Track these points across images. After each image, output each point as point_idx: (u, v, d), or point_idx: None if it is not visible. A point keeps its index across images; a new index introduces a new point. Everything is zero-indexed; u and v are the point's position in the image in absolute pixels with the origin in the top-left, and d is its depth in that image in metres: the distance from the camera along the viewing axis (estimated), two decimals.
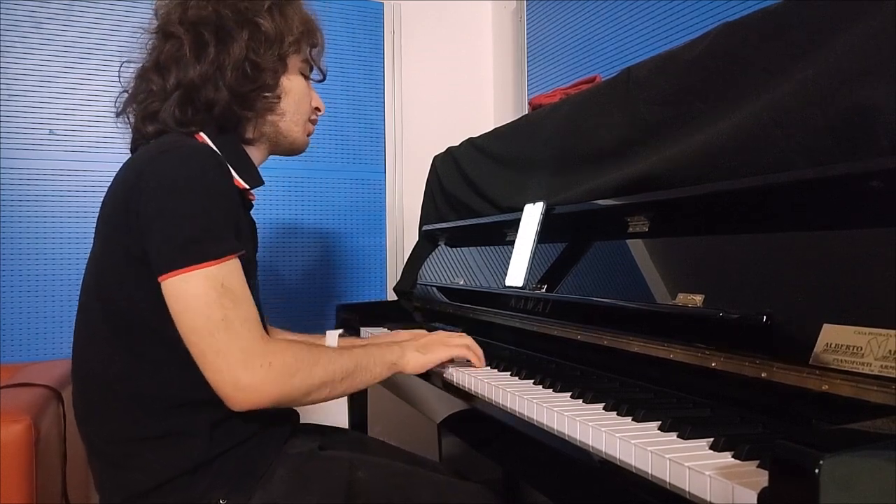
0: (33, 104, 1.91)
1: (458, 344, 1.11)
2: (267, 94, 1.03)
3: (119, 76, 1.03)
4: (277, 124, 1.07)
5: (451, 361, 1.13)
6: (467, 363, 1.13)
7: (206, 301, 0.82)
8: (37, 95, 1.91)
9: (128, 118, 1.03)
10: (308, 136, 1.14)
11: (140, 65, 1.02)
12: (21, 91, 1.90)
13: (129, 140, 1.06)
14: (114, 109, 1.05)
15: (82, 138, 1.96)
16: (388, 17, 2.40)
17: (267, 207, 2.18)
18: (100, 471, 0.95)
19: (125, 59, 1.03)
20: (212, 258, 0.83)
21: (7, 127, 1.88)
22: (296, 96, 1.08)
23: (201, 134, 0.98)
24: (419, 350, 1.07)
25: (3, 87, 1.88)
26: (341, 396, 0.97)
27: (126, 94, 1.03)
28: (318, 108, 1.15)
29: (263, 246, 2.20)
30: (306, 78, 1.12)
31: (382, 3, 2.39)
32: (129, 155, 1.05)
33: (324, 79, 1.16)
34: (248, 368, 0.82)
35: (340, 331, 1.39)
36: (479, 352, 1.12)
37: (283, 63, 1.04)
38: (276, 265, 2.22)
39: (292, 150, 1.13)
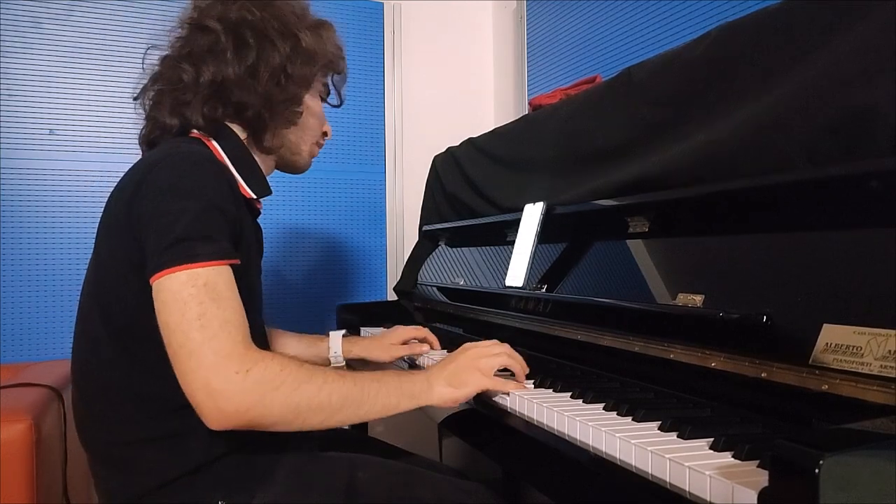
0: (33, 104, 1.91)
1: (493, 368, 0.95)
2: (294, 107, 1.04)
3: (143, 62, 1.02)
4: (293, 138, 1.08)
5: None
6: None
7: (182, 297, 0.78)
8: (37, 95, 1.91)
9: (145, 106, 1.02)
10: (311, 157, 1.15)
11: (167, 53, 1.01)
12: (21, 91, 1.90)
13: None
14: (131, 95, 1.04)
15: (82, 138, 1.96)
16: (388, 17, 2.40)
17: (267, 208, 2.17)
18: (99, 473, 0.95)
19: (150, 44, 1.02)
20: (199, 260, 0.80)
21: (7, 127, 1.88)
22: (312, 116, 1.10)
23: (213, 142, 0.98)
24: (450, 382, 0.93)
25: (3, 87, 1.88)
26: (344, 424, 0.88)
27: (149, 81, 1.02)
28: (325, 133, 1.17)
29: (264, 246, 2.19)
30: (322, 101, 1.14)
31: (382, 3, 2.39)
32: (138, 146, 1.05)
33: (340, 105, 1.18)
34: (221, 373, 0.76)
35: (343, 331, 1.38)
36: (523, 370, 0.98)
37: (311, 80, 1.06)
38: (277, 265, 2.22)
39: (295, 167, 1.14)
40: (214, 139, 0.99)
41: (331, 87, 1.15)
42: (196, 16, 1.00)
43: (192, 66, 0.97)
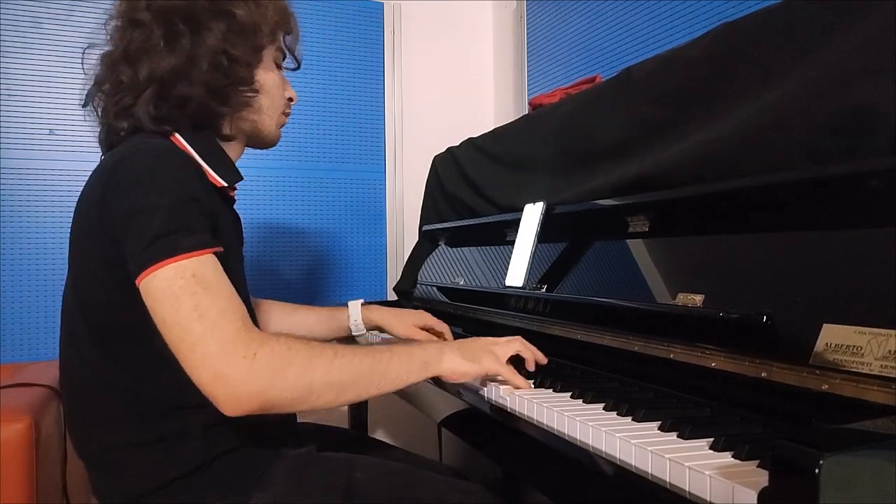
0: (33, 104, 1.91)
1: (509, 352, 0.96)
2: (242, 89, 0.97)
3: (82, 63, 0.96)
4: (254, 120, 1.03)
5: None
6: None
7: (173, 291, 0.76)
8: (37, 95, 1.91)
9: (95, 111, 0.97)
10: (280, 128, 1.09)
11: (105, 51, 0.95)
12: (21, 91, 1.90)
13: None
14: (80, 101, 0.97)
15: (82, 138, 1.95)
16: (388, 17, 2.40)
17: (267, 207, 2.18)
18: (95, 477, 0.94)
19: (87, 44, 0.96)
20: (181, 252, 0.78)
21: (7, 127, 1.88)
22: (270, 90, 1.03)
23: (176, 135, 0.94)
24: (463, 356, 0.92)
25: (3, 87, 1.88)
26: (359, 400, 0.86)
27: (94, 84, 0.96)
28: (290, 99, 1.09)
29: (263, 246, 2.20)
30: (279, 68, 1.06)
31: (382, 3, 2.39)
32: (100, 150, 1.00)
33: (298, 67, 1.11)
34: (229, 360, 0.75)
35: (362, 300, 1.35)
36: (534, 357, 0.98)
37: (258, 55, 0.99)
38: (276, 265, 2.22)
39: (265, 144, 1.08)
40: (176, 132, 0.94)
41: (284, 50, 1.07)
42: (125, 9, 0.94)
43: (129, 66, 0.91)
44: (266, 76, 1.02)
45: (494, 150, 1.66)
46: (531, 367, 0.98)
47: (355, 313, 1.33)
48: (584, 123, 1.30)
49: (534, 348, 1.00)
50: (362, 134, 2.36)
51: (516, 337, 0.99)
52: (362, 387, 0.84)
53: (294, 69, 1.10)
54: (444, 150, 1.96)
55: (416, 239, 2.04)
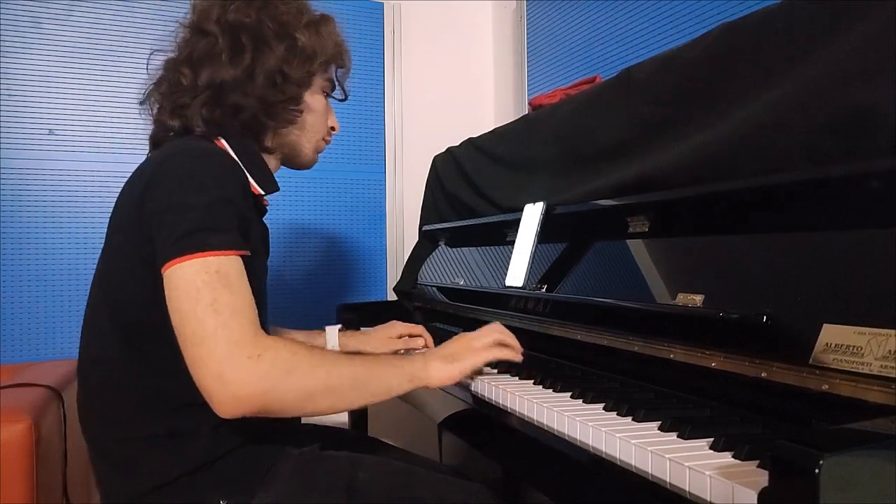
0: (33, 104, 1.91)
1: (487, 345, 1.00)
2: (291, 106, 1.04)
3: (147, 65, 1.04)
4: (296, 137, 1.09)
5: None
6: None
7: (195, 284, 0.78)
8: (37, 95, 1.91)
9: (151, 108, 1.03)
10: (317, 153, 1.15)
11: (170, 56, 1.02)
12: (21, 91, 1.90)
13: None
14: (132, 96, 1.06)
15: (82, 138, 1.96)
16: (388, 17, 2.40)
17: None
18: (102, 471, 0.95)
19: (154, 48, 1.04)
20: (210, 249, 0.80)
21: (7, 127, 1.88)
22: (314, 114, 1.10)
23: (221, 139, 0.99)
24: (445, 360, 0.96)
25: (3, 87, 1.88)
26: (350, 408, 0.91)
27: (153, 84, 1.03)
28: (332, 128, 1.17)
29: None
30: (327, 96, 1.14)
31: (382, 3, 2.39)
32: (146, 147, 1.06)
33: (345, 98, 1.18)
34: (234, 359, 0.76)
35: (339, 326, 1.39)
36: (515, 343, 1.03)
37: (310, 79, 1.06)
38: (277, 265, 2.22)
39: (301, 165, 1.14)
40: (222, 136, 0.99)
41: (335, 81, 1.15)
42: (196, 19, 1.01)
43: (191, 70, 0.98)
44: (312, 98, 1.09)
45: (494, 151, 1.66)
46: (517, 358, 1.02)
47: (332, 339, 1.36)
48: (585, 124, 1.30)
49: (510, 334, 1.03)
50: (362, 134, 2.36)
51: (493, 325, 1.04)
52: (357, 396, 0.88)
53: (342, 100, 1.17)
54: (444, 150, 1.96)
55: (416, 239, 2.04)
